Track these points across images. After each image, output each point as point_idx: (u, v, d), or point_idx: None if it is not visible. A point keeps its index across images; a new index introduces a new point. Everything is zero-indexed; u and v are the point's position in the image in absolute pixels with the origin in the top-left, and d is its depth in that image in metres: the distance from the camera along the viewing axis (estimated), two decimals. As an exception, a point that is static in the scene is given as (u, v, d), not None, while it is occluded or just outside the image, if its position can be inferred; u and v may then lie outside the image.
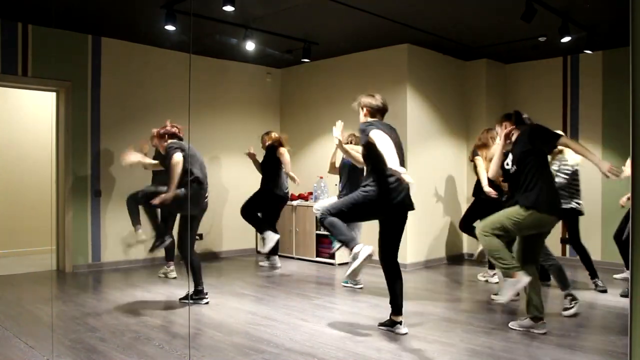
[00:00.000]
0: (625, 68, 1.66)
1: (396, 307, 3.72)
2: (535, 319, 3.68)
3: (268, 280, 5.70)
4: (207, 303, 4.50)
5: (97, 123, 6.06)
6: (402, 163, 3.50)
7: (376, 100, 3.74)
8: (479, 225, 3.75)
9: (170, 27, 5.08)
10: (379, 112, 3.75)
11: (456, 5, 5.01)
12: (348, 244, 3.59)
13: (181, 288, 5.05)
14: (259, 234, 6.31)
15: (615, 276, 5.63)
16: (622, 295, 4.75)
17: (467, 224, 5.66)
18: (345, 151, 4.01)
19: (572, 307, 4.15)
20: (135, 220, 4.62)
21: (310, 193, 6.96)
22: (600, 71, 6.48)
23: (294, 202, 6.93)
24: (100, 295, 5.00)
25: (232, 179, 7.13)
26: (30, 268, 6.04)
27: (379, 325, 3.83)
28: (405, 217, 3.74)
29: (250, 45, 5.82)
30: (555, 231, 6.59)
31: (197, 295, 4.50)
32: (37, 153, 6.96)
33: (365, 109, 3.74)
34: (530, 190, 3.51)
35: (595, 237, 5.67)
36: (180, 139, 4.55)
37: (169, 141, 4.48)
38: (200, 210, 4.62)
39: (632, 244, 1.72)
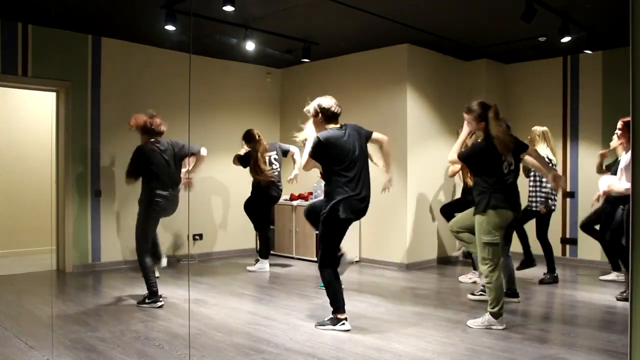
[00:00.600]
0: (625, 68, 1.66)
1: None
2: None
3: (268, 281, 5.71)
4: (161, 306, 4.42)
5: (97, 123, 6.06)
6: (363, 167, 3.87)
7: (329, 104, 3.87)
8: (482, 267, 3.90)
9: (170, 27, 5.08)
10: (334, 117, 3.90)
11: (456, 5, 5.01)
12: (335, 308, 3.81)
13: (181, 288, 5.05)
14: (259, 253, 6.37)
15: (601, 277, 5.63)
16: (618, 299, 4.67)
17: (446, 211, 5.77)
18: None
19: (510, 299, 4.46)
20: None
21: (310, 193, 6.96)
22: (600, 71, 6.48)
23: (294, 202, 6.93)
24: (100, 295, 5.00)
25: (232, 179, 7.13)
26: (30, 268, 6.04)
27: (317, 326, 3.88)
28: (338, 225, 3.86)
29: (250, 45, 5.82)
30: (555, 231, 6.65)
31: (151, 298, 4.44)
32: (37, 153, 6.96)
33: (321, 115, 3.88)
34: (482, 194, 3.83)
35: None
36: (156, 133, 4.59)
37: (142, 143, 4.62)
38: (162, 212, 4.59)
39: (632, 244, 1.72)
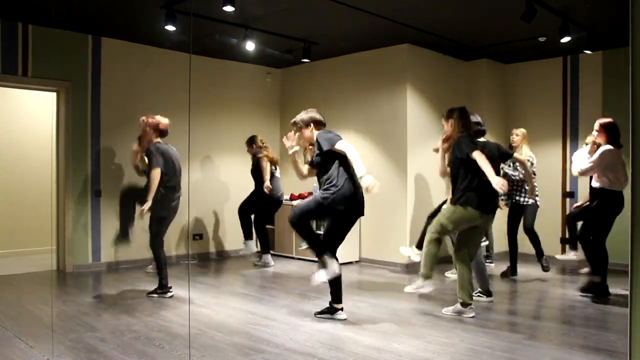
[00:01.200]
0: (625, 68, 1.66)
1: (336, 296, 4.08)
2: (464, 305, 4.14)
3: (268, 280, 5.71)
4: (171, 296, 4.73)
5: (97, 123, 6.06)
6: None
7: (320, 115, 4.18)
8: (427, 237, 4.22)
9: (170, 27, 5.08)
10: (323, 126, 4.18)
11: (456, 5, 5.01)
12: (316, 254, 4.02)
13: (181, 288, 5.05)
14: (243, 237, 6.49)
15: (557, 256, 5.86)
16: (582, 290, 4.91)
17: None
18: (294, 161, 4.22)
19: (481, 297, 4.62)
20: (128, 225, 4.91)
21: (310, 193, 6.95)
22: (600, 71, 6.48)
23: (294, 202, 6.93)
24: (100, 295, 5.00)
25: (233, 179, 7.14)
26: (30, 268, 6.04)
27: (316, 314, 4.12)
28: (355, 221, 4.10)
29: (250, 45, 5.82)
30: (555, 231, 6.66)
31: (162, 290, 4.75)
32: (37, 153, 6.96)
33: (313, 125, 4.12)
34: (459, 190, 4.09)
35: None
36: (165, 133, 4.83)
37: (153, 142, 4.72)
38: (172, 213, 4.86)
39: (632, 244, 1.72)
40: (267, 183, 6.09)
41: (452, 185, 4.21)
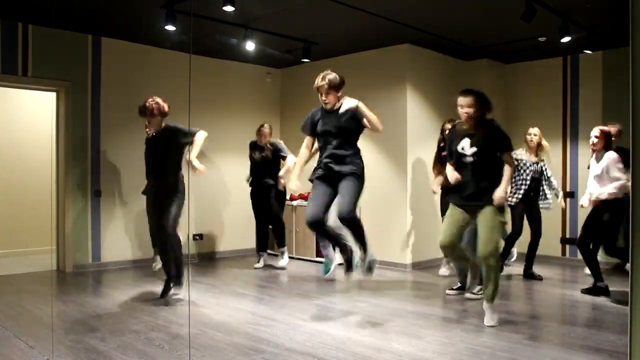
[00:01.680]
0: (625, 68, 1.66)
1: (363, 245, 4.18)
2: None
3: (268, 280, 5.71)
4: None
5: (97, 123, 6.06)
6: None
7: None
8: (484, 254, 3.77)
9: (170, 27, 5.08)
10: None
11: (456, 5, 5.01)
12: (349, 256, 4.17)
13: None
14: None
15: (586, 272, 5.72)
16: (582, 291, 4.90)
17: None
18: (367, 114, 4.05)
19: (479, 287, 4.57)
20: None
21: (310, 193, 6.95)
22: (600, 71, 6.48)
23: (294, 202, 6.93)
24: (100, 295, 5.00)
25: (232, 179, 7.13)
26: (30, 268, 6.04)
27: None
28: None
29: (250, 45, 5.82)
30: (555, 231, 6.65)
31: (177, 279, 4.62)
32: (37, 153, 6.96)
33: (342, 91, 4.14)
34: (488, 189, 3.78)
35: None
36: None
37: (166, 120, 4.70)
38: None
39: (632, 243, 1.72)
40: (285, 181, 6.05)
41: (474, 179, 3.82)
